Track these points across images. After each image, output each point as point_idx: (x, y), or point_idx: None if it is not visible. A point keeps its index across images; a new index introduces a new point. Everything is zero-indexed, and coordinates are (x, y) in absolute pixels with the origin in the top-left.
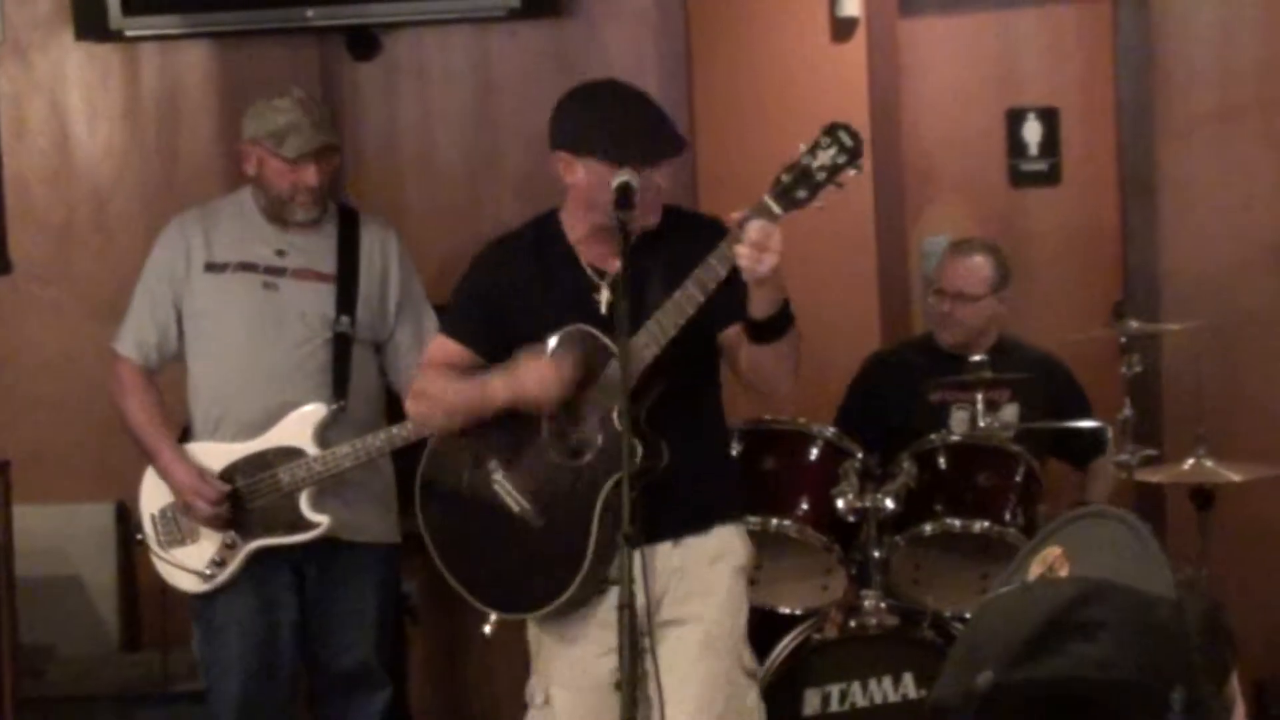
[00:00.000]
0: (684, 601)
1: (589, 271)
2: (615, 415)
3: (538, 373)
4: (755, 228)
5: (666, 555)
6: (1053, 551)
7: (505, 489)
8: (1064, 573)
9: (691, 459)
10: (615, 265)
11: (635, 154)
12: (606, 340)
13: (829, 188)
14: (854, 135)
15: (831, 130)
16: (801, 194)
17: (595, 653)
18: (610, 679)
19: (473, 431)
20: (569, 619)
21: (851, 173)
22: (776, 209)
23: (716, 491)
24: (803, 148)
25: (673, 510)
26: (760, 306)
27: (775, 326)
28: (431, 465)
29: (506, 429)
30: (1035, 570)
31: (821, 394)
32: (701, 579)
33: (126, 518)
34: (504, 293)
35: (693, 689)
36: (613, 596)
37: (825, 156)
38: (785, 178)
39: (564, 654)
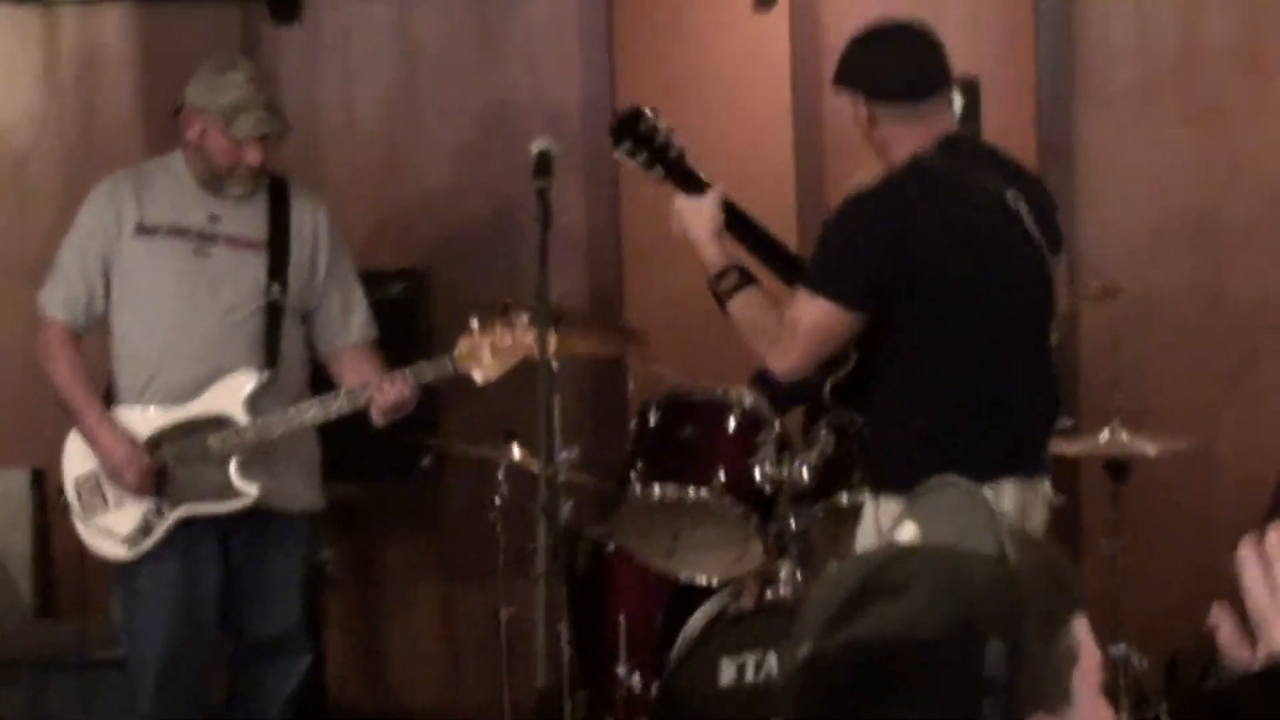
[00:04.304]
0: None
1: None
2: None
3: None
4: None
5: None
6: (910, 527)
7: None
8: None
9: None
10: None
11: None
12: None
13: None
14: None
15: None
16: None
17: None
18: None
19: None
20: None
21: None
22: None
23: (870, 461)
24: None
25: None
26: None
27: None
28: None
29: None
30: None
31: (746, 365)
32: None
33: (42, 483)
34: None
35: None
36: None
37: (642, 159)
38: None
39: None
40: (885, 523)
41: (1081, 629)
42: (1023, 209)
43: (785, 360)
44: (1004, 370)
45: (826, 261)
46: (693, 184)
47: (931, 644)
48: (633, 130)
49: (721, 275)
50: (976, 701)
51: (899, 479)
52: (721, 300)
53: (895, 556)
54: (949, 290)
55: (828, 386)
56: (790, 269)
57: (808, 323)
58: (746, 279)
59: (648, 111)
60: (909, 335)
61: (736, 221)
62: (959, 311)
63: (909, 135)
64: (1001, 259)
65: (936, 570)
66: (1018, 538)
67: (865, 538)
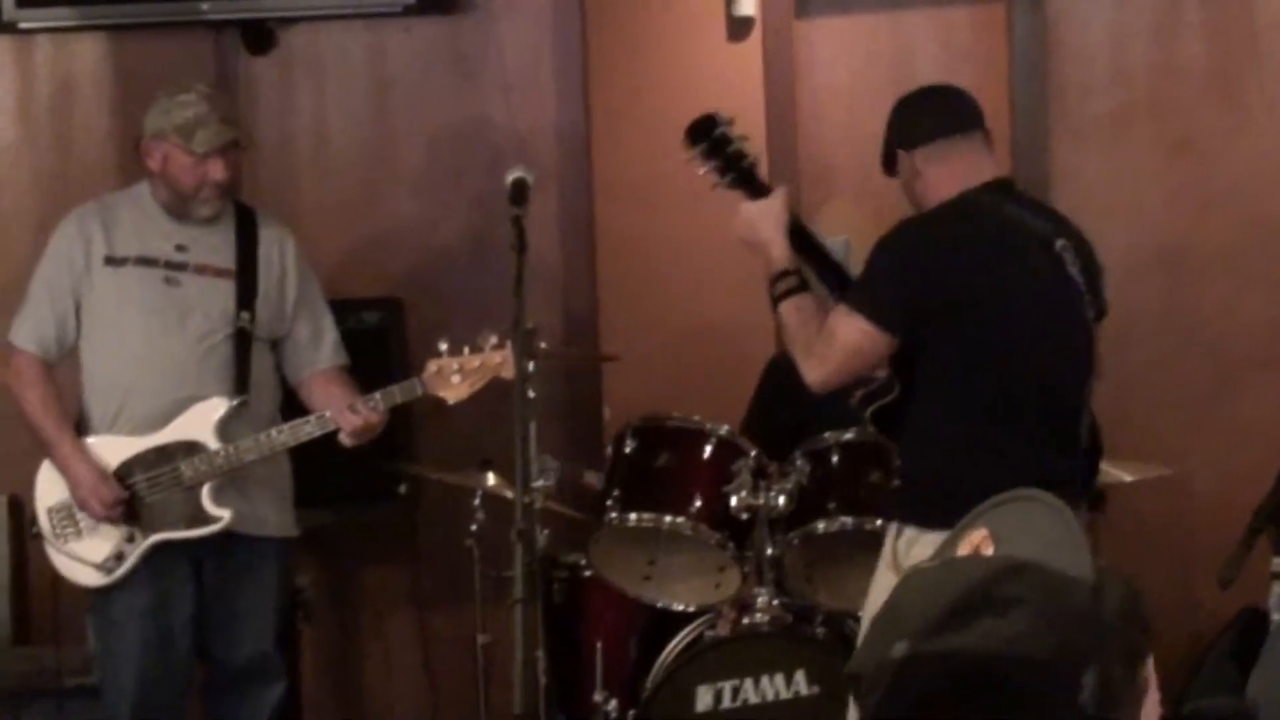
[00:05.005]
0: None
1: None
2: None
3: None
4: None
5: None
6: (979, 534)
7: None
8: (989, 554)
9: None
10: None
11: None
12: None
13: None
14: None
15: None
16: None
17: None
18: None
19: None
20: None
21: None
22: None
23: (900, 489)
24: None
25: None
26: None
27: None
28: None
29: None
30: (962, 551)
31: (722, 393)
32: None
33: (19, 511)
34: None
35: None
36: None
37: (715, 163)
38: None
39: None
40: (903, 546)
41: (1148, 664)
42: (1068, 257)
43: (818, 371)
44: (1039, 407)
45: (868, 282)
46: (760, 191)
47: (1036, 666)
48: (707, 134)
49: (782, 276)
50: None
51: (929, 509)
52: (775, 300)
53: (1005, 572)
54: (988, 321)
55: (869, 413)
56: (837, 280)
57: (843, 339)
58: (803, 284)
59: (721, 116)
60: (947, 367)
61: (793, 230)
62: (996, 343)
63: (948, 174)
64: (1042, 297)
65: (1045, 593)
66: (1102, 570)
67: (885, 564)
